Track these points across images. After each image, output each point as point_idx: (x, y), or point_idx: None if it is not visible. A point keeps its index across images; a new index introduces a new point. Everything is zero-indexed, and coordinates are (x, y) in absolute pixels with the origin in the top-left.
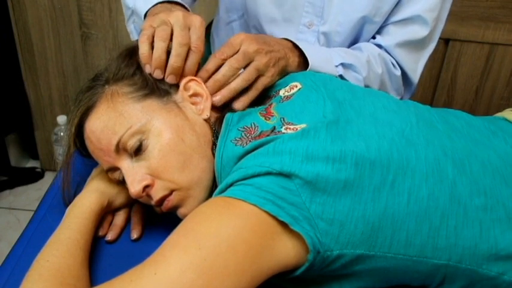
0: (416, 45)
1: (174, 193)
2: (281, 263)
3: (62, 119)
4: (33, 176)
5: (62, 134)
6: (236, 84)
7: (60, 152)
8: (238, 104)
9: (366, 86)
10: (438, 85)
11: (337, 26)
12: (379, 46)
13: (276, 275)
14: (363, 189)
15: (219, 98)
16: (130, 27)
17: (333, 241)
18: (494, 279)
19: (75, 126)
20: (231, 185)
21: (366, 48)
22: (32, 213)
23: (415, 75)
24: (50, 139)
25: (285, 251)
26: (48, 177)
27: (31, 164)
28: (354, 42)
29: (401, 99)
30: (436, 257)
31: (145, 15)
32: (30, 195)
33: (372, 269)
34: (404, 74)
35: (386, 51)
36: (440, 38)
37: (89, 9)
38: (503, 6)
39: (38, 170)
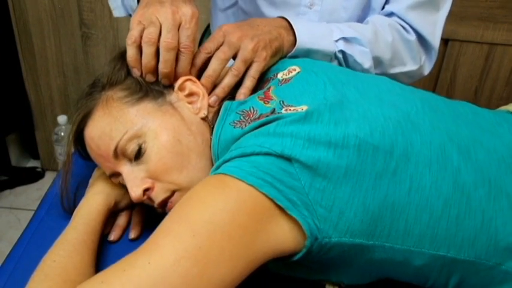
0: (429, 6)
1: (176, 194)
2: (278, 247)
3: (62, 118)
4: (33, 176)
5: (62, 133)
6: (227, 81)
7: (60, 151)
8: (240, 97)
9: (376, 58)
10: (437, 85)
11: (343, 0)
12: (391, 14)
13: (273, 261)
14: (365, 176)
15: (214, 98)
16: (116, 3)
17: (332, 228)
18: (491, 269)
19: (74, 133)
20: (227, 161)
21: (373, 20)
22: (33, 212)
23: (434, 39)
24: (51, 139)
25: (282, 235)
26: (49, 177)
27: (31, 163)
28: (363, 16)
29: (420, 68)
30: (434, 248)
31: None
32: (31, 195)
33: (369, 259)
34: (422, 38)
35: (399, 17)
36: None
37: (89, 9)
38: (502, 7)
39: (39, 169)
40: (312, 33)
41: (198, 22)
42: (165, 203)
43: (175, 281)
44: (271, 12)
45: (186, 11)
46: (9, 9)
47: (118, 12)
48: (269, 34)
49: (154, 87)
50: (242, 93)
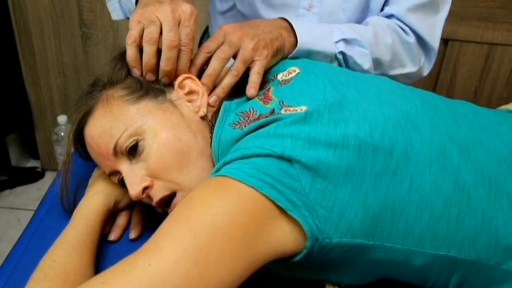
0: (428, 8)
1: (178, 195)
2: (278, 248)
3: (62, 118)
4: (33, 176)
5: (62, 133)
6: (227, 81)
7: (60, 151)
8: (250, 92)
9: (376, 60)
10: (437, 85)
11: (342, 2)
12: (390, 16)
13: (274, 262)
14: (365, 176)
15: (215, 98)
16: (114, 6)
17: (332, 229)
18: (492, 268)
19: (74, 132)
20: (228, 163)
21: (373, 21)
22: (33, 212)
23: (434, 40)
24: (51, 139)
25: (283, 236)
26: (49, 177)
27: (31, 163)
28: (362, 18)
29: (420, 70)
30: (435, 247)
31: (136, 1)
32: (31, 195)
33: (370, 259)
34: (422, 40)
35: (398, 19)
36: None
37: (89, 9)
38: (502, 7)
39: (39, 169)
40: (313, 34)
41: (197, 20)
42: (163, 201)
43: (176, 282)
44: (270, 14)
45: (186, 9)
46: (9, 9)
47: (116, 15)
48: (270, 34)
49: (154, 85)
50: (251, 87)
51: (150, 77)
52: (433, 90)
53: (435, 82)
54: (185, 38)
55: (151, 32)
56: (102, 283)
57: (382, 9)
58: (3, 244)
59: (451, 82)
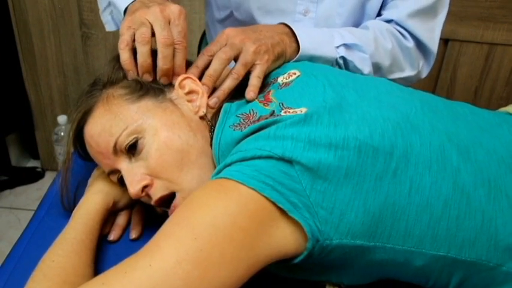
0: (428, 13)
1: (178, 196)
2: (279, 250)
3: (62, 118)
4: (33, 176)
5: (62, 133)
6: (228, 84)
7: (60, 151)
8: (249, 95)
9: (375, 64)
10: (437, 85)
11: (338, 7)
12: (390, 21)
13: (274, 263)
14: (365, 177)
15: (215, 100)
16: (107, 18)
17: (333, 230)
18: (492, 270)
19: (74, 131)
20: (228, 165)
21: (372, 25)
22: (33, 212)
23: (433, 44)
24: (51, 139)
25: (283, 238)
26: (49, 177)
27: (31, 163)
28: (357, 22)
29: (418, 73)
30: (435, 248)
31: (124, 11)
32: (31, 195)
33: (370, 260)
34: (421, 44)
35: (398, 24)
36: (439, 38)
37: (89, 9)
38: (502, 7)
39: (39, 169)
40: (314, 39)
41: (186, 19)
42: (162, 200)
43: (176, 283)
44: (266, 20)
45: (174, 9)
46: (9, 9)
47: (109, 26)
48: (271, 39)
49: (154, 85)
50: (251, 90)
51: (147, 77)
52: (433, 91)
53: (435, 82)
54: (178, 36)
55: (143, 33)
56: (103, 284)
57: (378, 14)
58: (3, 244)
59: (451, 82)
